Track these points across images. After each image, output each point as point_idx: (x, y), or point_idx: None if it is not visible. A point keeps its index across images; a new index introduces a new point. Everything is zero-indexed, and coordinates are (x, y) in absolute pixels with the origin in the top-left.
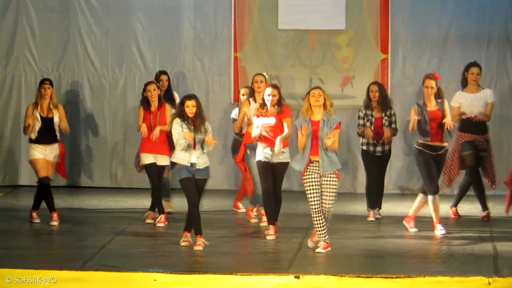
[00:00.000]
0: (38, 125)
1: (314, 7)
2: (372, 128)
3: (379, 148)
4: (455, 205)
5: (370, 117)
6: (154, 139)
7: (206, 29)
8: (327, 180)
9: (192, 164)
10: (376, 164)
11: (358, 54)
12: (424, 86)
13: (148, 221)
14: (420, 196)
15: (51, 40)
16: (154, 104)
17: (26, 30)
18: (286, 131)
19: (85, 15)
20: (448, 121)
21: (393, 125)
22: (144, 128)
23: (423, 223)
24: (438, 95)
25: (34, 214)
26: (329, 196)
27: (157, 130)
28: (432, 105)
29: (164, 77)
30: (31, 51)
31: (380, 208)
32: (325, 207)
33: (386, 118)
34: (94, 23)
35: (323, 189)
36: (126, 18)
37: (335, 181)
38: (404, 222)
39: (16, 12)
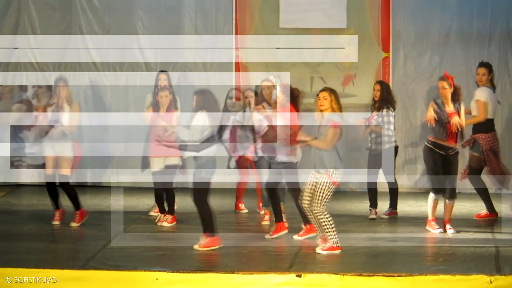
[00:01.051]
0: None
1: (315, 6)
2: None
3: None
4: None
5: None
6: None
7: (207, 28)
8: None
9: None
10: (374, 162)
11: (360, 52)
12: (438, 89)
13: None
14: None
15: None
16: (163, 108)
17: (28, 29)
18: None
19: (86, 14)
20: (456, 121)
21: (385, 126)
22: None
23: (423, 222)
24: (455, 98)
25: (56, 214)
26: (305, 191)
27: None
28: (450, 106)
29: (162, 76)
30: (32, 50)
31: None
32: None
33: (376, 117)
34: (95, 22)
35: None
36: (127, 17)
37: (318, 180)
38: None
39: (17, 11)
